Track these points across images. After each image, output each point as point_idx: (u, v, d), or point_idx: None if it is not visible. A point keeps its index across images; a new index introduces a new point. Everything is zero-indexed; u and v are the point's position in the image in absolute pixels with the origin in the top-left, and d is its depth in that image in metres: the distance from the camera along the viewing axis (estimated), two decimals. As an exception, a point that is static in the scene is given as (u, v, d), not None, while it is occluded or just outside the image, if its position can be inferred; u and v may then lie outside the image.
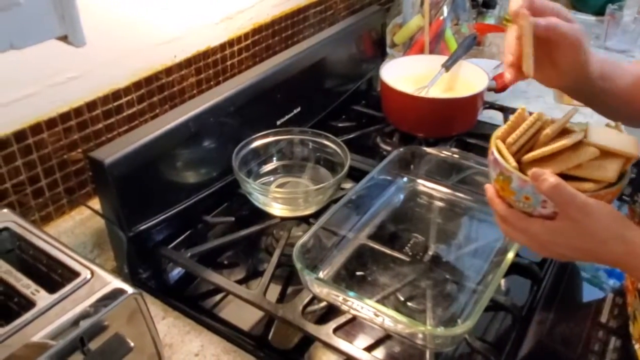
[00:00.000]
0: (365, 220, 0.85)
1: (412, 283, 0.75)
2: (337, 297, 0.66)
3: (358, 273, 0.76)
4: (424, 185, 0.93)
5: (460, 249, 0.81)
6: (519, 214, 0.55)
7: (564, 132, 0.54)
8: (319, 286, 0.67)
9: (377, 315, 0.63)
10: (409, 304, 0.72)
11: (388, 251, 0.80)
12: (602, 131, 0.55)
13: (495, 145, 0.57)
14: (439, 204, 0.90)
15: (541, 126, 0.55)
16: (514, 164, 0.54)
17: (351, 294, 0.64)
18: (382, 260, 0.78)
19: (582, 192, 0.50)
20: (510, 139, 0.55)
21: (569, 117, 0.54)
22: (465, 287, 0.74)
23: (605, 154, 0.53)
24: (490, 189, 0.58)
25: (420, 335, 0.62)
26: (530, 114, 0.56)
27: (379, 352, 0.68)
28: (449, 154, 0.90)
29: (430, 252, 0.80)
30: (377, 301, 0.69)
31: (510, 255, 0.69)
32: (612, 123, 0.58)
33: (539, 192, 0.51)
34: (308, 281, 0.67)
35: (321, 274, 0.75)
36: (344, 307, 0.66)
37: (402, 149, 0.91)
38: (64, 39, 0.38)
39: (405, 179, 0.93)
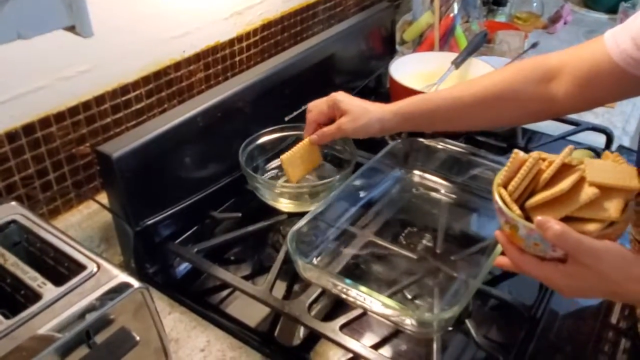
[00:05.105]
0: (360, 211, 0.85)
1: (403, 272, 0.76)
2: (327, 281, 0.66)
3: (352, 261, 0.77)
4: (421, 176, 0.93)
5: (456, 239, 0.82)
6: (531, 260, 0.54)
7: (565, 167, 0.54)
8: (310, 270, 0.68)
9: (364, 299, 0.64)
10: (394, 289, 0.72)
11: (379, 241, 0.80)
12: (600, 165, 0.54)
13: (498, 192, 0.56)
14: (435, 195, 0.91)
15: (540, 168, 0.55)
16: (518, 212, 0.54)
17: (348, 281, 0.64)
18: (376, 251, 0.79)
19: (588, 234, 0.50)
20: (511, 187, 0.55)
21: (564, 157, 0.54)
22: (459, 279, 0.74)
23: (606, 190, 0.52)
24: (500, 236, 0.57)
25: (408, 321, 0.62)
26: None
27: (386, 349, 0.67)
28: (446, 145, 0.90)
29: (424, 241, 0.81)
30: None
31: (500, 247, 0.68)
32: (610, 154, 0.57)
33: (546, 240, 0.51)
34: (300, 265, 0.67)
35: (315, 261, 0.76)
36: (335, 291, 0.66)
37: (399, 141, 0.91)
38: (71, 29, 0.37)
39: (402, 171, 0.93)
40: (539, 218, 0.51)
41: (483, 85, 0.74)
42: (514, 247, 0.56)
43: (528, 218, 0.54)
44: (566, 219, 0.51)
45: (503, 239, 0.57)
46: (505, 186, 0.56)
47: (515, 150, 0.57)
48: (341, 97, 0.79)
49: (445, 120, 0.76)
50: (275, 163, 0.93)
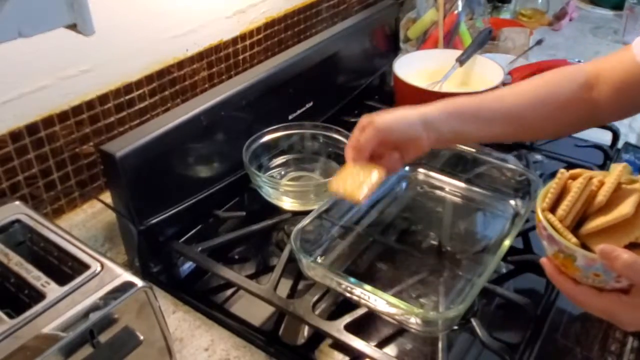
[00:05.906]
0: (364, 209, 0.85)
1: (408, 270, 0.75)
2: (332, 280, 0.66)
3: (356, 260, 0.77)
4: (425, 174, 0.93)
5: (461, 238, 0.82)
6: (590, 292, 0.51)
7: (617, 188, 0.50)
8: (314, 269, 0.68)
9: (369, 298, 0.63)
10: (399, 287, 0.72)
11: (384, 240, 0.80)
12: None
13: (546, 218, 0.51)
14: (440, 193, 0.90)
15: (591, 189, 0.51)
16: (575, 240, 0.50)
17: (352, 279, 0.64)
18: (381, 249, 0.79)
19: None
20: (561, 212, 0.50)
21: (619, 176, 0.50)
22: (464, 278, 0.74)
23: None
24: (549, 265, 0.53)
25: (413, 320, 0.62)
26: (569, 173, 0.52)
27: (391, 348, 0.67)
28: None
29: (429, 240, 0.80)
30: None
31: (507, 243, 0.68)
32: None
33: (612, 270, 0.47)
34: (304, 264, 0.67)
35: (319, 260, 0.76)
36: (339, 290, 0.66)
37: None
38: (73, 27, 0.37)
39: (407, 169, 0.93)
40: (602, 246, 0.47)
41: (527, 88, 0.70)
42: (567, 278, 0.52)
43: (583, 245, 0.50)
44: (629, 246, 0.47)
45: (551, 270, 0.53)
46: (551, 210, 0.52)
47: (562, 170, 0.52)
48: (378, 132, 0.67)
49: (491, 120, 0.68)
50: (278, 161, 0.93)
